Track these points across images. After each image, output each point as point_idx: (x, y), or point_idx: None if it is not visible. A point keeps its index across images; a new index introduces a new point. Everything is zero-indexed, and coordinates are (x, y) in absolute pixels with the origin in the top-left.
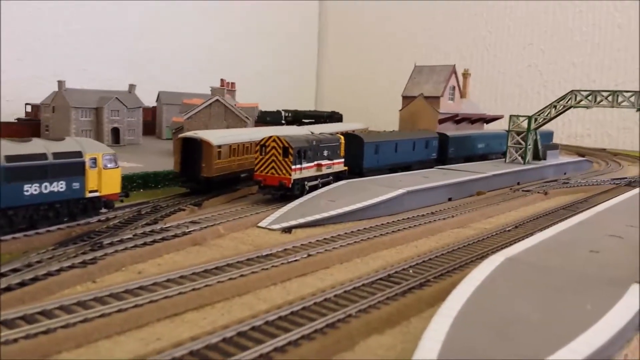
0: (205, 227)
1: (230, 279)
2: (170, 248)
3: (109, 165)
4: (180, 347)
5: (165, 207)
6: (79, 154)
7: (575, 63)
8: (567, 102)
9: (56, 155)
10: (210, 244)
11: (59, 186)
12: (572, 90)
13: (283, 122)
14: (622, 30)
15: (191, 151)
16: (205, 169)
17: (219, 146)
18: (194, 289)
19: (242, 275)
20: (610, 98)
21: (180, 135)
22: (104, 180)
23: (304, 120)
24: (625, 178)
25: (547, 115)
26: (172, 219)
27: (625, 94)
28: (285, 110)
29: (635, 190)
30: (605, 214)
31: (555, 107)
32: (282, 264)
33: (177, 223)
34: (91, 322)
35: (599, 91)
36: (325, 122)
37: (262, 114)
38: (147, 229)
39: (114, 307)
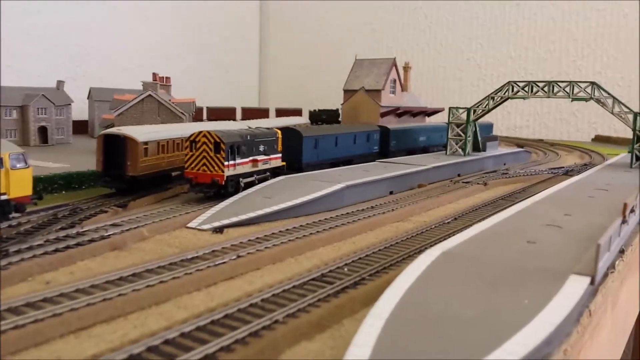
0: (126, 230)
1: (148, 286)
2: (86, 254)
3: (17, 166)
4: None
5: (86, 210)
6: None
7: (512, 56)
8: (504, 94)
9: None
10: (132, 248)
11: None
12: (509, 82)
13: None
14: (556, 23)
15: (115, 149)
16: (130, 167)
17: (145, 143)
18: (104, 299)
19: (161, 282)
20: (546, 88)
21: (103, 132)
22: (12, 182)
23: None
24: (563, 167)
25: (485, 107)
26: (92, 222)
27: (560, 84)
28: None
29: (572, 179)
30: (542, 204)
31: (493, 98)
32: (208, 267)
33: (95, 226)
34: None
35: (534, 82)
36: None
37: (316, 112)
38: (62, 233)
39: (10, 324)
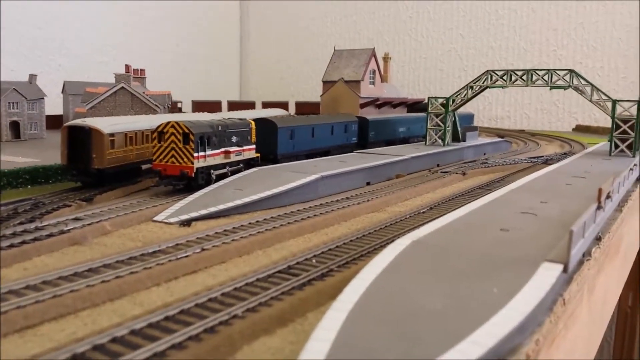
0: (88, 224)
1: (102, 281)
2: (43, 249)
3: None
4: None
5: (48, 204)
6: None
7: (493, 47)
8: (483, 83)
9: None
10: (93, 243)
11: None
12: (487, 70)
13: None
14: (536, 13)
15: (80, 141)
16: (96, 160)
17: (112, 134)
18: (55, 296)
19: (117, 277)
20: (524, 77)
21: (66, 123)
22: None
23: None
24: (542, 156)
25: (464, 96)
26: (53, 217)
27: (538, 72)
28: None
29: (551, 167)
30: (518, 192)
31: (471, 87)
32: (170, 260)
33: (56, 221)
34: None
35: (513, 70)
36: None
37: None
38: (19, 228)
39: None
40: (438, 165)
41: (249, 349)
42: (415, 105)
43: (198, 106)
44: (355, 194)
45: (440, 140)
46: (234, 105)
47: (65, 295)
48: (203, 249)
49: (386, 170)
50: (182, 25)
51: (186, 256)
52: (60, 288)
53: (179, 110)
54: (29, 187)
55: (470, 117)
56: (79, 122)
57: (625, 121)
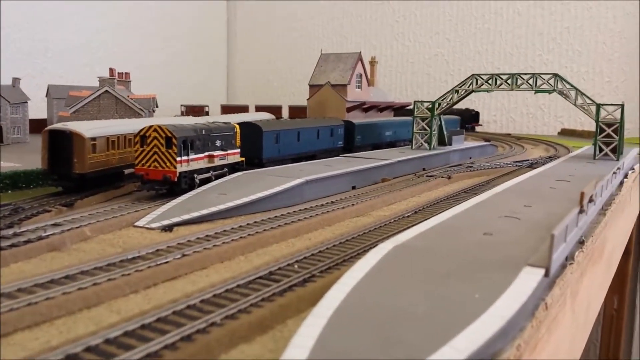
0: (67, 230)
1: (79, 288)
2: (20, 256)
3: None
4: None
5: (28, 209)
6: None
7: (480, 51)
8: (468, 87)
9: None
10: (72, 249)
11: None
12: (472, 74)
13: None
14: (521, 17)
15: (61, 145)
16: (77, 164)
17: (93, 138)
18: (29, 304)
19: (95, 284)
20: (509, 81)
21: (47, 127)
22: None
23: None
24: (527, 160)
25: (450, 100)
26: (32, 222)
27: (523, 76)
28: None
29: (535, 171)
30: (502, 195)
31: (457, 91)
32: (149, 267)
33: (35, 226)
34: None
35: (498, 74)
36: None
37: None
38: None
39: None
40: (424, 169)
41: (227, 358)
42: (402, 109)
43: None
44: (340, 198)
45: (426, 144)
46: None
47: (41, 303)
48: (184, 255)
49: (372, 174)
50: (169, 27)
51: (166, 262)
52: (35, 295)
53: (206, 114)
54: (9, 192)
55: (456, 121)
56: (59, 126)
57: (609, 125)
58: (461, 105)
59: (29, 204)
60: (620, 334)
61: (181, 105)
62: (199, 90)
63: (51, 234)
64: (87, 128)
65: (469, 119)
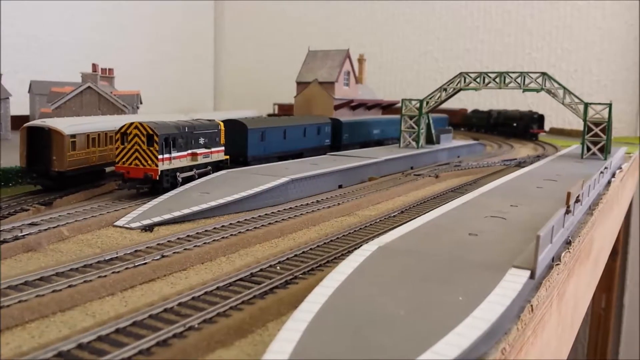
0: (44, 230)
1: (54, 291)
2: None
3: None
4: None
5: (5, 208)
6: None
7: (469, 49)
8: (456, 85)
9: None
10: (48, 249)
11: None
12: (460, 73)
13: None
14: (511, 16)
15: (40, 142)
16: (56, 162)
17: (73, 135)
18: (1, 307)
19: (70, 286)
20: (497, 79)
21: (26, 124)
22: None
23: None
24: (515, 159)
25: (438, 99)
26: (8, 222)
27: (511, 74)
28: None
29: (523, 170)
30: (489, 195)
31: (445, 90)
32: (127, 268)
33: (11, 226)
34: None
35: (486, 73)
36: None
37: (471, 113)
38: None
39: None
40: (412, 168)
41: None
42: (391, 107)
43: (282, 109)
44: (326, 197)
45: (414, 143)
46: (281, 108)
47: (13, 306)
48: (163, 256)
49: (359, 173)
50: (156, 25)
51: (144, 263)
52: (7, 298)
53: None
54: None
55: (444, 120)
56: (38, 122)
57: (597, 124)
58: (523, 107)
59: (6, 202)
60: (608, 333)
61: (274, 104)
62: (186, 87)
63: (27, 234)
64: (66, 125)
65: (529, 123)
